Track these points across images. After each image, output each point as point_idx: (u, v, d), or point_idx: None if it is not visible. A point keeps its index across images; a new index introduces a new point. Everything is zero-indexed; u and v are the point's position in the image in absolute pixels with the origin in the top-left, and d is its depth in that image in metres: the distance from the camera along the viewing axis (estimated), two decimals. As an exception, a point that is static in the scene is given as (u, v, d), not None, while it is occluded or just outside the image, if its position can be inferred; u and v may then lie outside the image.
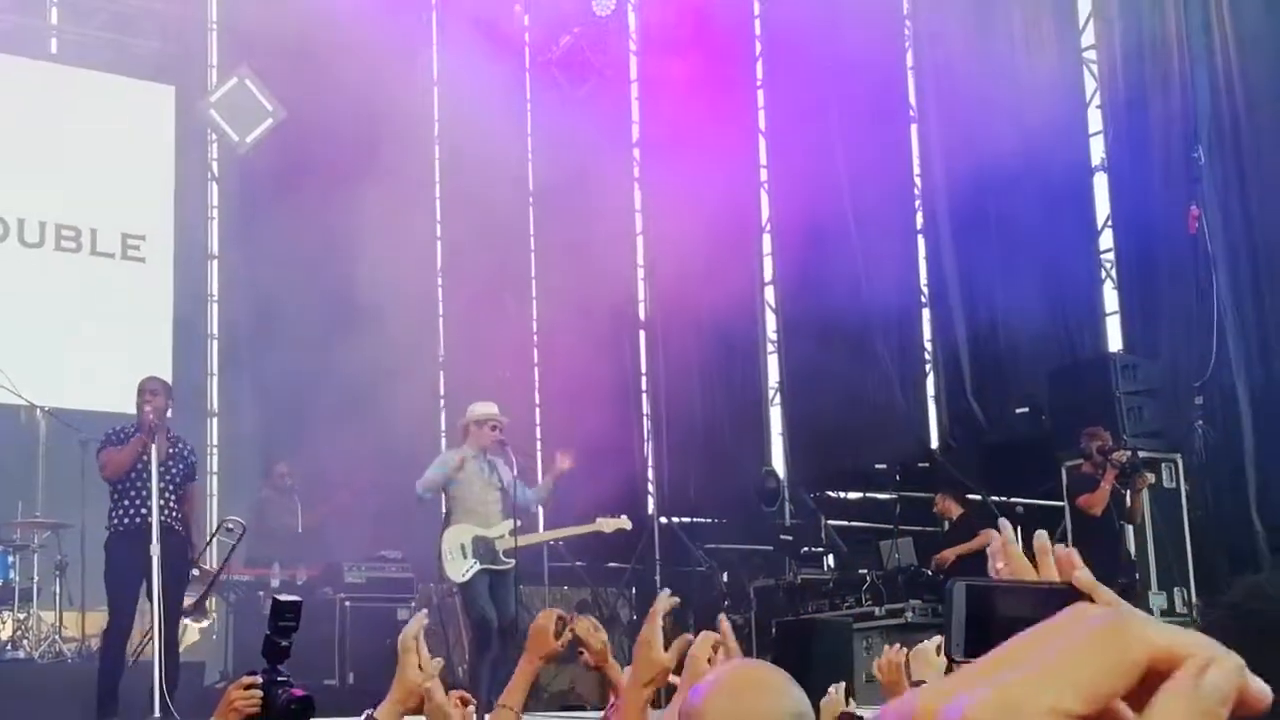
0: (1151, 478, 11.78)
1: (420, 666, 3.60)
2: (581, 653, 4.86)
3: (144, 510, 9.11)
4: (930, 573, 12.90)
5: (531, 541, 10.62)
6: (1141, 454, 12.48)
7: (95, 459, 9.54)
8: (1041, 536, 2.14)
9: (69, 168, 14.97)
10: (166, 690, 8.70)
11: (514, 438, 11.07)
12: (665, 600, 3.66)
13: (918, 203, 16.61)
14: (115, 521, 9.42)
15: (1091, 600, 1.80)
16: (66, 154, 14.98)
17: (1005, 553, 2.21)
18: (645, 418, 16.88)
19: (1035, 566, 2.04)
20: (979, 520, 12.42)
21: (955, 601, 1.83)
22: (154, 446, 9.09)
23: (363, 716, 3.68)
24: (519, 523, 10.47)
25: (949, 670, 2.19)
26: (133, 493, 9.22)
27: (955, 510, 12.84)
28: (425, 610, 3.91)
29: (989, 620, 1.84)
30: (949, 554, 12.41)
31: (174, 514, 9.36)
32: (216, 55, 16.66)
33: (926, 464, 14.84)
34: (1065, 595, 1.81)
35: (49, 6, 15.85)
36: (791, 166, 16.96)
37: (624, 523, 10.89)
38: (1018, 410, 14.30)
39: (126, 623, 9.39)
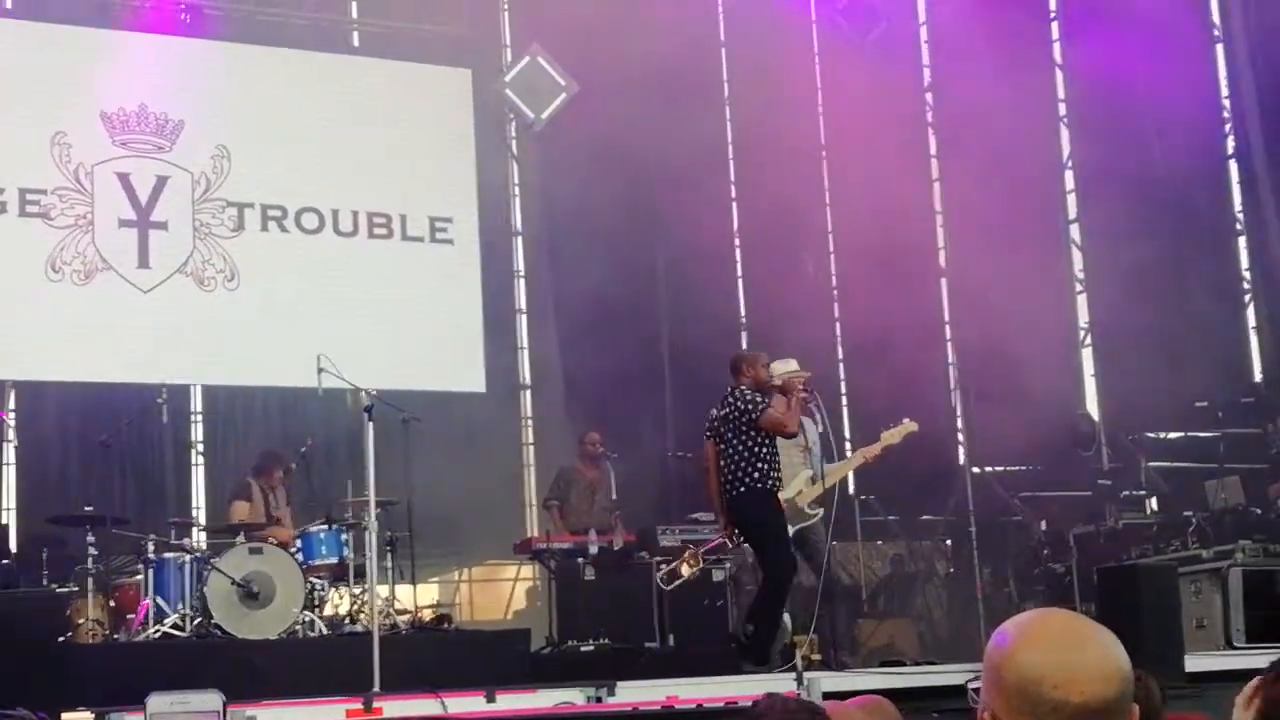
0: None
1: None
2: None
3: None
4: (1260, 511, 12.41)
5: (828, 485, 10.54)
6: None
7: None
8: None
9: (376, 157, 15.52)
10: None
11: (820, 395, 11.03)
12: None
13: (1228, 126, 15.96)
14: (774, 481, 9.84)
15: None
16: (373, 143, 15.53)
17: None
18: (951, 366, 16.67)
19: None
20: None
21: (1232, 587, 1.79)
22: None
23: None
24: (821, 472, 10.45)
25: None
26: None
27: None
28: None
29: (1270, 603, 1.79)
30: None
31: None
32: (510, 35, 17.02)
33: (1250, 398, 14.27)
34: None
35: (349, 1, 16.45)
36: (1092, 100, 16.49)
37: (909, 426, 10.64)
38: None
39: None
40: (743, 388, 9.89)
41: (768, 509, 9.72)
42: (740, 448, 9.72)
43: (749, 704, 7.97)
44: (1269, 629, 2.14)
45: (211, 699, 6.02)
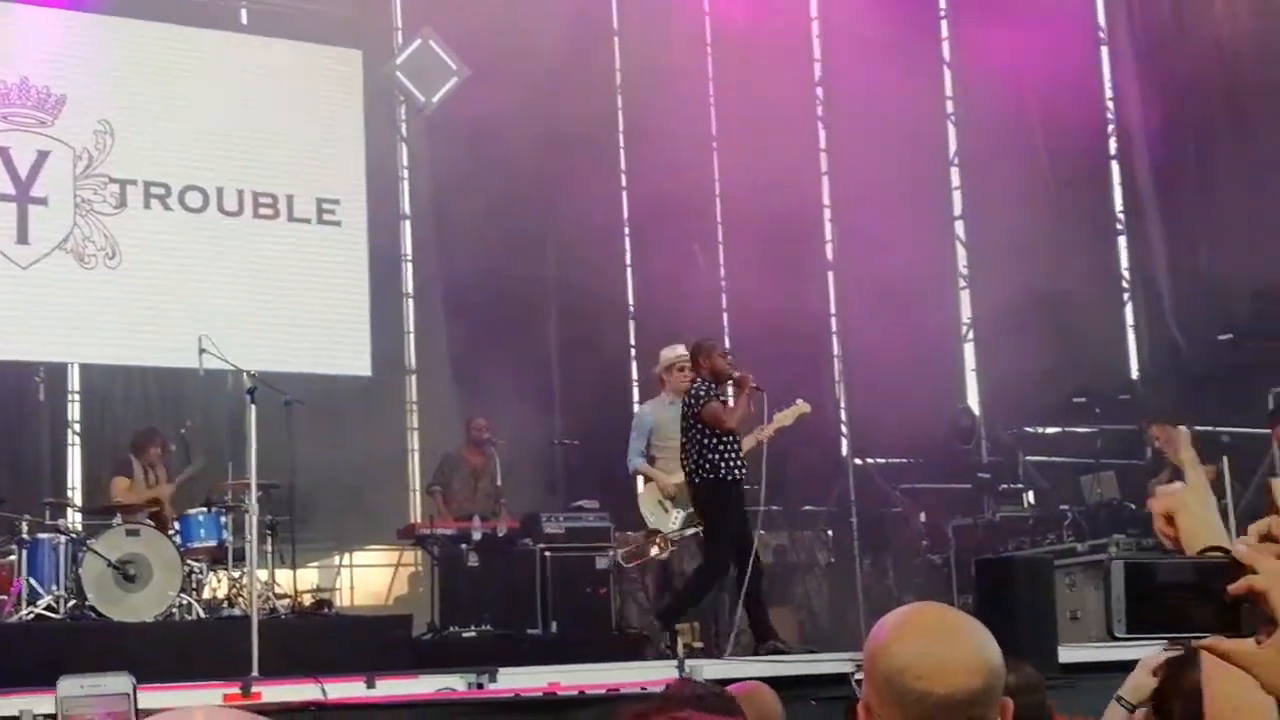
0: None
1: None
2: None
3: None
4: (1135, 507, 12.65)
5: None
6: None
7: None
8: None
9: (264, 136, 15.33)
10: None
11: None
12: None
13: (1110, 128, 16.22)
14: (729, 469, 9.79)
15: (1253, 571, 1.76)
16: (261, 122, 15.34)
17: (1186, 460, 2.08)
18: (836, 359, 16.80)
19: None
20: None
21: (1114, 579, 1.82)
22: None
23: None
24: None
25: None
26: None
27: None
28: None
29: (1149, 596, 1.82)
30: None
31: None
32: (401, 17, 16.88)
33: (1127, 395, 14.53)
34: (1225, 569, 1.78)
35: (238, -22, 16.22)
36: (979, 97, 16.67)
37: (802, 407, 10.66)
38: (1220, 337, 13.90)
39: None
40: (699, 380, 9.91)
41: (717, 501, 9.76)
42: (696, 440, 9.77)
43: (633, 690, 8.00)
44: (1149, 620, 2.22)
45: (122, 681, 5.93)
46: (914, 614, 2.32)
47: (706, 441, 9.72)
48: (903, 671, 2.18)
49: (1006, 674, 3.41)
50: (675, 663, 8.76)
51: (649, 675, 8.45)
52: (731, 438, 9.77)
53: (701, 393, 9.78)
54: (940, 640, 2.21)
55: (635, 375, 16.12)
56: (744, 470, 9.86)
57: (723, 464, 9.72)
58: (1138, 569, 1.84)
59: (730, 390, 10.21)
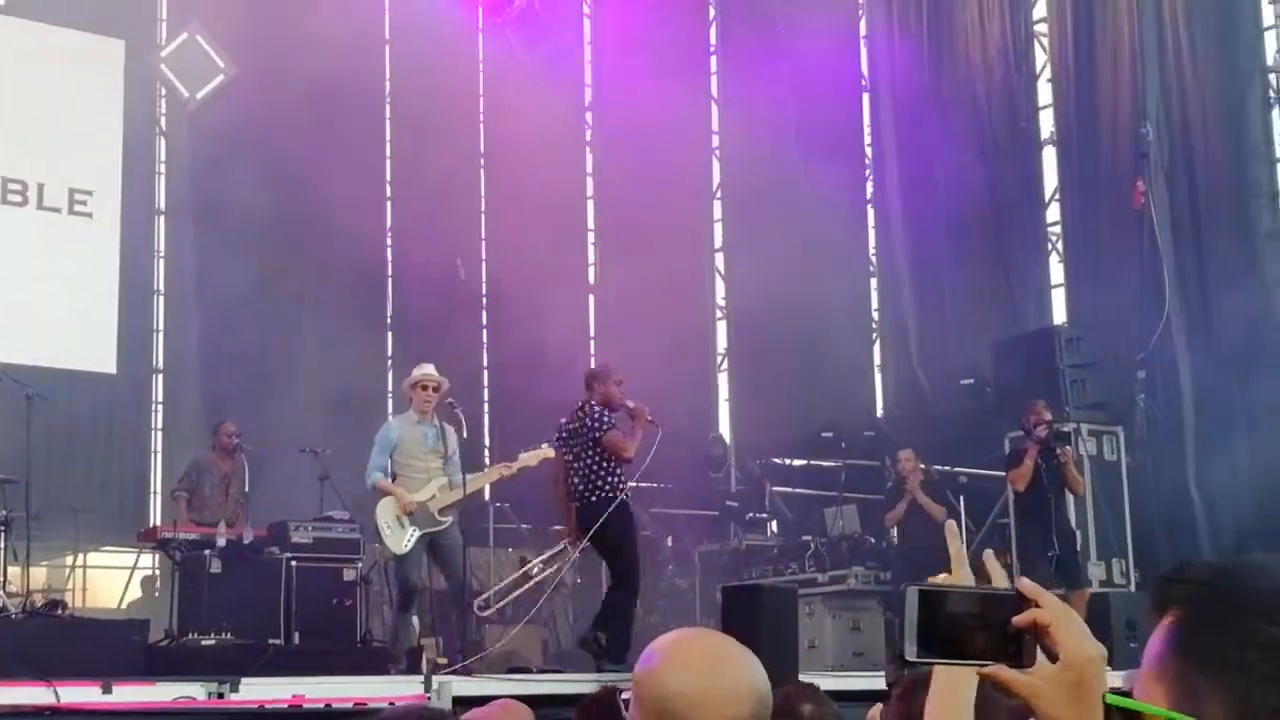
0: (1070, 452, 11.77)
1: None
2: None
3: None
4: (874, 540, 13.01)
5: (460, 497, 10.53)
6: (1085, 426, 12.64)
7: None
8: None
9: (16, 120, 14.85)
10: None
11: (461, 403, 11.03)
12: None
13: (868, 172, 16.68)
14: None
15: (1037, 605, 1.85)
16: (14, 107, 14.85)
17: (953, 555, 2.19)
18: (593, 381, 16.90)
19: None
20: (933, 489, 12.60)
21: (909, 605, 1.90)
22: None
23: None
24: (463, 481, 10.39)
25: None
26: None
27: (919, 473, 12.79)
28: None
29: (940, 623, 1.90)
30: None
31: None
32: (166, 9, 16.50)
33: (872, 432, 14.93)
34: (1011, 601, 1.88)
35: (-3, -43, 15.66)
36: (744, 134, 16.96)
37: (546, 452, 10.72)
38: (962, 381, 14.39)
39: None
40: (593, 403, 9.90)
41: (620, 519, 9.75)
42: (590, 461, 9.78)
43: (379, 706, 7.94)
44: (937, 646, 2.33)
45: None
46: (686, 641, 2.37)
47: (607, 464, 9.80)
48: (674, 699, 2.23)
49: (804, 704, 3.52)
50: (422, 679, 8.71)
51: (396, 690, 8.39)
52: (622, 463, 9.89)
53: (606, 420, 9.84)
54: (710, 669, 2.27)
55: (390, 386, 15.99)
56: (629, 493, 10.03)
57: (619, 487, 9.83)
58: (930, 596, 1.91)
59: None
